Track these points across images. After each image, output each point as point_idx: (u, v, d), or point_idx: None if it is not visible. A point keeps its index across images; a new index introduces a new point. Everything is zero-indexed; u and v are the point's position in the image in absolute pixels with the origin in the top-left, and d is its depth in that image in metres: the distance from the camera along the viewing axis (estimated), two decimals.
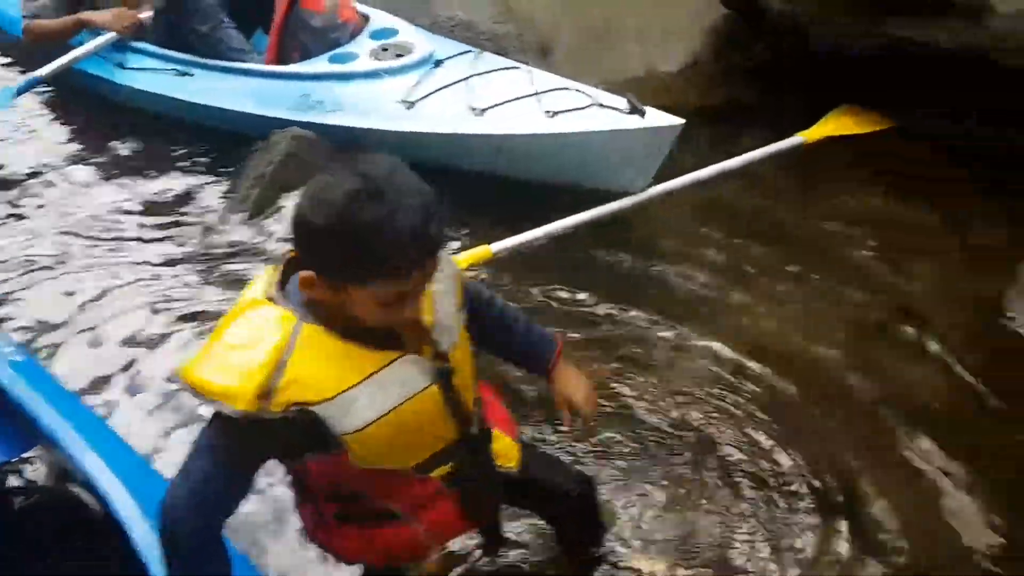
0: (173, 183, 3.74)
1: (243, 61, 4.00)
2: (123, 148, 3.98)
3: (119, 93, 4.11)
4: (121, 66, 4.06)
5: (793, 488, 2.38)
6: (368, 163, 1.34)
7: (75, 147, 4.01)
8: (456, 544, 2.02)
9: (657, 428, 2.55)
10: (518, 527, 2.19)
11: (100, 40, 3.98)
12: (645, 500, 2.35)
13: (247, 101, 3.79)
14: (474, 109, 3.43)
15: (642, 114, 3.26)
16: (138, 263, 3.28)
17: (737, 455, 2.47)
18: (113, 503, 1.73)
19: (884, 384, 2.69)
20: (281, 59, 3.91)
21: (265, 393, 1.33)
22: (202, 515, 1.42)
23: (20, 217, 3.58)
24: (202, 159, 3.87)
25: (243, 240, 3.37)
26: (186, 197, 3.66)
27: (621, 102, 3.31)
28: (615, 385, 2.68)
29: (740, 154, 3.43)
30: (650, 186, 3.32)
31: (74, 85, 4.22)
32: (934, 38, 3.51)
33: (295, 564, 2.11)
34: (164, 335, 2.91)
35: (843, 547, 2.24)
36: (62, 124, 4.18)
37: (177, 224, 3.50)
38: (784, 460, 2.45)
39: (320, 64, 3.78)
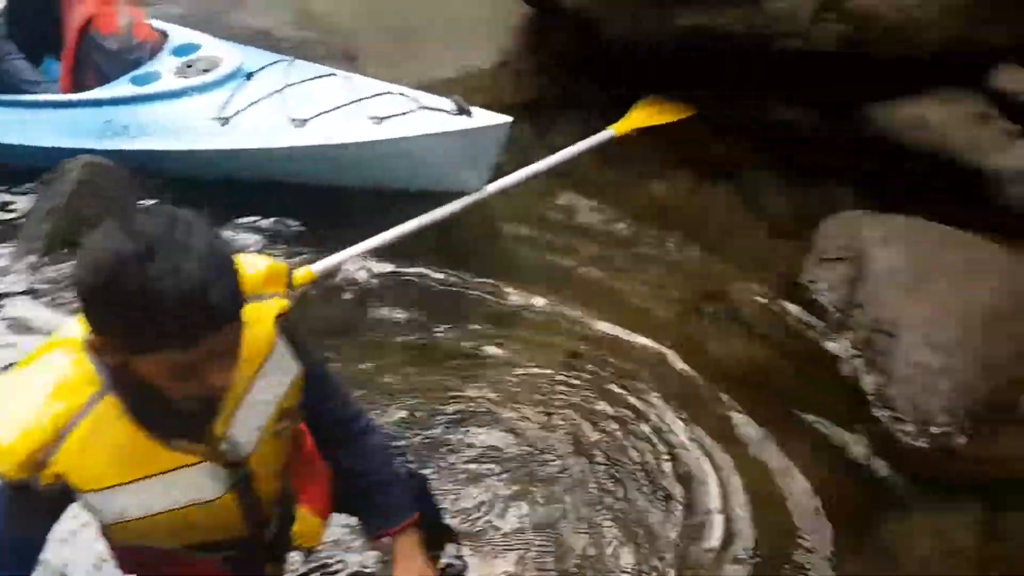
0: None
1: (37, 92, 3.75)
2: None
3: None
4: None
5: (629, 471, 2.49)
6: (144, 218, 1.21)
7: None
8: None
9: (495, 427, 2.60)
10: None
11: None
12: (489, 501, 2.38)
13: (47, 134, 3.57)
14: (295, 120, 3.37)
15: (469, 114, 3.28)
16: None
17: (574, 448, 2.54)
18: None
19: (706, 361, 2.85)
20: (77, 86, 3.70)
21: (36, 464, 1.25)
22: None
23: None
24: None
25: (34, 281, 3.15)
26: None
27: (447, 103, 3.33)
28: (452, 391, 2.72)
29: (560, 147, 3.54)
30: (488, 183, 3.35)
31: None
32: (720, 25, 3.70)
33: None
34: None
35: (676, 525, 2.35)
36: None
37: None
38: (622, 444, 2.56)
39: (121, 87, 3.61)
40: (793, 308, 3.06)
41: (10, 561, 1.36)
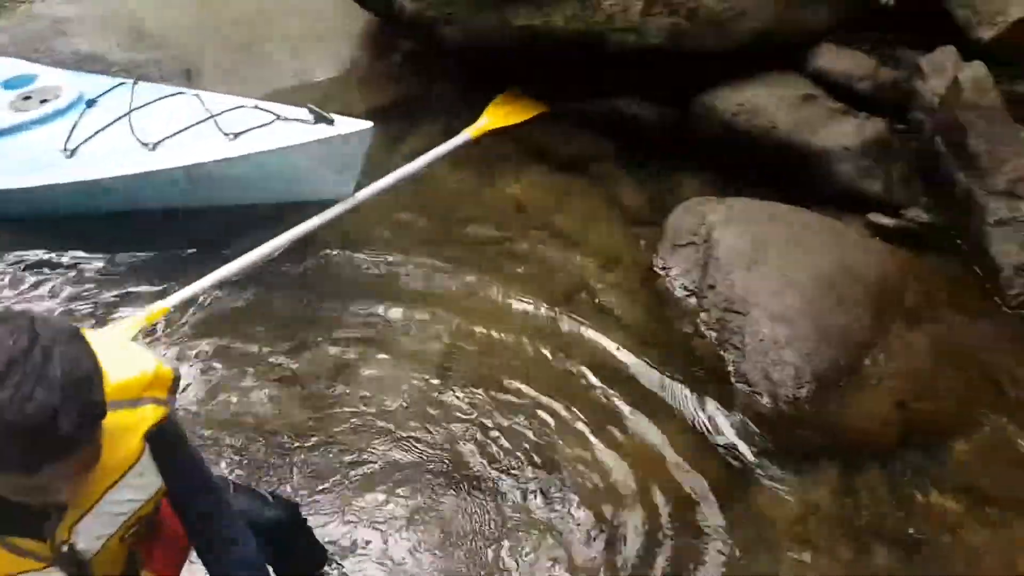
0: None
1: None
2: None
3: None
4: None
5: (508, 470, 2.60)
6: (3, 332, 1.14)
7: None
8: None
9: (372, 444, 2.65)
10: None
11: None
12: (370, 519, 2.45)
13: None
14: (145, 144, 3.27)
15: (330, 122, 3.22)
16: None
17: (452, 454, 2.63)
18: None
19: (576, 353, 2.99)
20: None
21: None
22: None
23: None
24: None
25: None
26: None
27: (304, 113, 3.26)
28: (324, 411, 2.76)
29: (418, 151, 3.57)
30: (356, 190, 3.32)
31: None
32: (555, 24, 3.79)
33: None
34: None
35: (562, 515, 2.49)
36: None
37: None
38: (501, 447, 2.67)
39: None
40: (652, 294, 3.23)
41: None
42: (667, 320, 3.14)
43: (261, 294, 3.20)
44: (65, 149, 3.32)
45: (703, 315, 3.08)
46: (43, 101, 3.51)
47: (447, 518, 2.47)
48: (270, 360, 2.95)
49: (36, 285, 3.21)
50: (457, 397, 2.83)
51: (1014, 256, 3.22)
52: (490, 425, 2.73)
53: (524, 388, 2.86)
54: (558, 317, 3.14)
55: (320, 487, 2.53)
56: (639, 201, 3.69)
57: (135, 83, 3.62)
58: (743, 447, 2.69)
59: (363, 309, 3.16)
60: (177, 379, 1.46)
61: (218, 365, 2.91)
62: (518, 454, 2.65)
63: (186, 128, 3.30)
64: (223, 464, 2.56)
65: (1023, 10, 3.68)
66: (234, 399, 2.78)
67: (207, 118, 3.32)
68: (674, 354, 3.01)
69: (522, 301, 3.19)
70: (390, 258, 3.38)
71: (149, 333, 2.93)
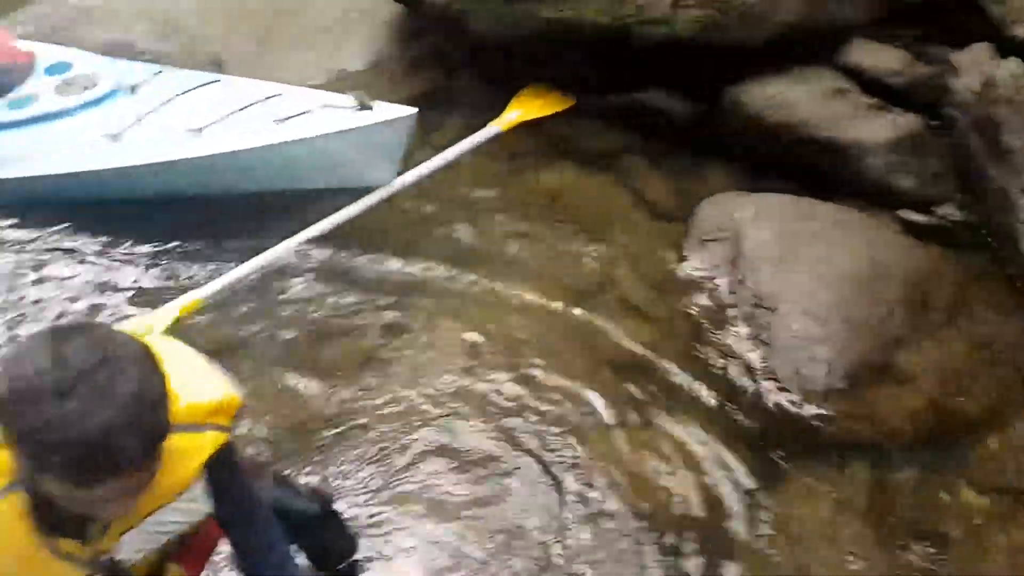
0: None
1: None
2: None
3: None
4: None
5: (529, 459, 2.60)
6: (77, 344, 1.14)
7: None
8: None
9: (402, 427, 2.67)
10: None
11: None
12: (397, 511, 2.45)
13: None
14: (190, 130, 3.27)
15: (371, 108, 3.21)
16: None
17: (483, 444, 2.63)
18: None
19: (601, 346, 2.98)
20: None
21: None
22: None
23: None
24: None
25: None
26: None
27: (347, 100, 3.26)
28: (360, 398, 2.77)
29: (446, 144, 3.55)
30: (397, 177, 3.32)
31: None
32: (583, 16, 3.75)
33: None
34: None
35: (582, 508, 2.49)
36: None
37: None
38: (521, 435, 2.67)
39: None
40: (679, 289, 3.21)
41: None
42: (694, 315, 3.11)
43: (285, 282, 3.19)
44: (111, 135, 3.33)
45: (731, 311, 3.06)
46: (85, 87, 3.53)
47: (480, 507, 2.47)
48: (298, 350, 2.96)
49: (74, 270, 3.22)
50: (484, 388, 2.82)
51: None
52: (518, 416, 2.73)
53: (551, 380, 2.85)
54: (584, 310, 3.12)
55: (352, 476, 2.53)
56: (666, 195, 3.66)
57: (172, 70, 3.65)
58: (772, 444, 2.67)
59: (390, 300, 3.16)
60: (242, 406, 1.45)
61: (245, 356, 2.92)
62: (546, 446, 2.65)
63: (231, 114, 3.31)
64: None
65: None
66: (263, 390, 2.78)
67: (251, 104, 3.33)
68: (701, 349, 2.98)
69: (547, 293, 3.18)
70: (414, 249, 3.37)
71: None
